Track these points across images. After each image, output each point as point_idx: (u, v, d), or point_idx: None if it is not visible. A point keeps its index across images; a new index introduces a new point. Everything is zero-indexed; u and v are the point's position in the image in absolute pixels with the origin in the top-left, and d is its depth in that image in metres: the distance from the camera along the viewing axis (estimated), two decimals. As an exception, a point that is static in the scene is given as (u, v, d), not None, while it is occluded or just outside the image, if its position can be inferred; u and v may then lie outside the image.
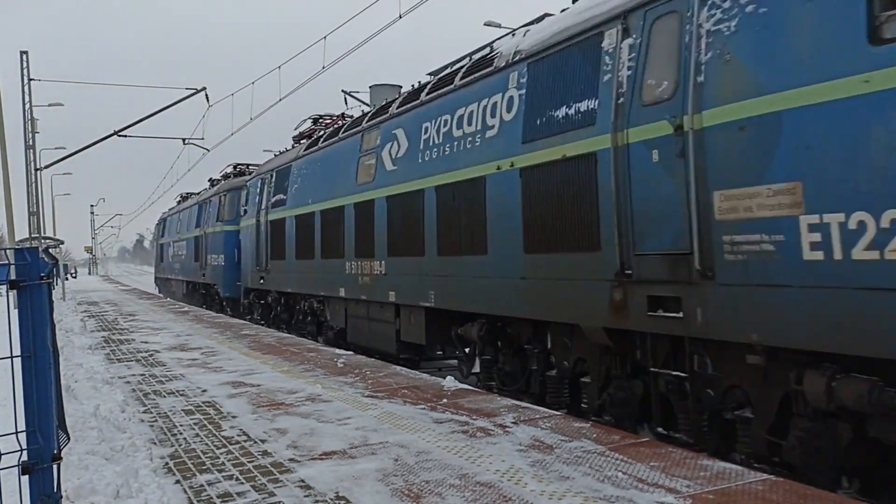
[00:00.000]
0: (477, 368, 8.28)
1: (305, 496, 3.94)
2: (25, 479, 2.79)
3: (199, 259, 22.96)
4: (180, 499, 3.99)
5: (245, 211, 17.26)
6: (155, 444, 5.19)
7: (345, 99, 14.40)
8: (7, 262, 2.87)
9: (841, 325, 3.99)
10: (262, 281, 15.63)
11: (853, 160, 3.91)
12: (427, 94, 8.98)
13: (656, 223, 5.21)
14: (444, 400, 6.41)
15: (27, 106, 27.43)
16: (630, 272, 5.44)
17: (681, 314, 4.98)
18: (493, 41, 8.31)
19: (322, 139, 12.82)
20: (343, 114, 15.08)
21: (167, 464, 4.66)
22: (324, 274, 12.00)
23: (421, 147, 8.79)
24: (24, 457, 2.77)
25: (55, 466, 2.87)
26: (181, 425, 5.77)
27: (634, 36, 5.54)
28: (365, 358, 9.47)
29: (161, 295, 31.53)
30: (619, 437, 5.04)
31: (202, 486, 4.20)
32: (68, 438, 3.42)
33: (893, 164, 3.72)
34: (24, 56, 26.55)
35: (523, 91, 6.89)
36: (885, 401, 3.90)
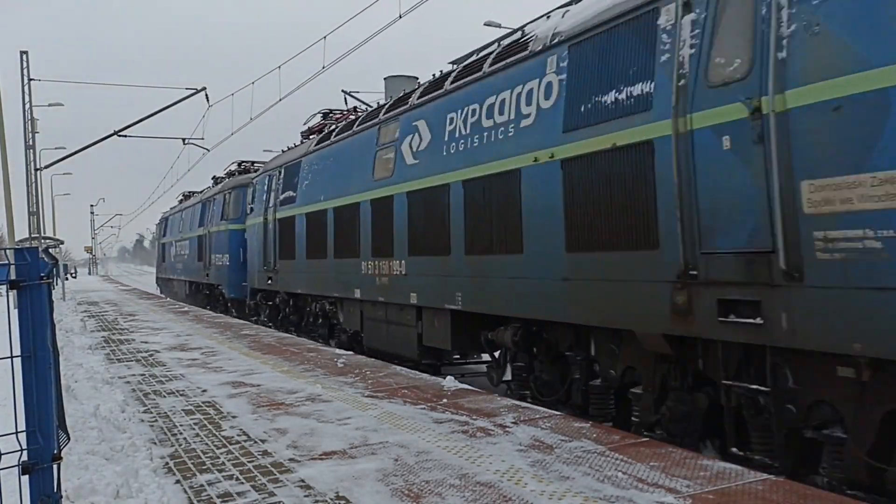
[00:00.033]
0: (508, 376, 7.70)
1: (305, 496, 3.94)
2: (25, 479, 2.79)
3: (203, 259, 22.39)
4: (180, 499, 3.99)
5: (251, 209, 16.65)
6: (155, 443, 5.19)
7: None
8: (7, 262, 2.87)
9: None
10: (269, 281, 15.02)
11: None
12: (452, 82, 8.41)
13: (727, 218, 4.64)
14: (444, 400, 6.41)
15: (27, 106, 27.46)
16: (696, 273, 4.84)
17: (760, 320, 4.41)
18: (524, 25, 7.74)
19: (334, 133, 12.21)
20: (355, 108, 14.53)
21: (167, 464, 4.66)
22: (337, 274, 11.39)
23: (446, 139, 8.20)
24: (24, 457, 2.77)
25: (55, 466, 2.87)
26: (181, 425, 5.77)
27: (697, 10, 4.97)
28: (365, 358, 9.47)
29: (163, 296, 31.07)
30: (618, 437, 5.04)
31: (202, 485, 4.20)
32: (68, 438, 3.42)
33: None
34: (24, 56, 26.59)
35: (564, 76, 6.31)
36: None
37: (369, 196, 10.13)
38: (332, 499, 3.89)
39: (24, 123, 27.42)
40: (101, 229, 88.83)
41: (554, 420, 5.54)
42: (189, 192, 29.68)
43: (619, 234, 5.55)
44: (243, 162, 21.49)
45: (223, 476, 4.37)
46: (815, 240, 4.09)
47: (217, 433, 5.47)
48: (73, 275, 57.69)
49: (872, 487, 4.08)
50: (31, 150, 27.26)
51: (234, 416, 6.02)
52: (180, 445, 5.13)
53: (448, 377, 7.39)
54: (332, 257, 11.58)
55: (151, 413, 6.27)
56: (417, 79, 12.68)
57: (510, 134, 6.99)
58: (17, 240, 24.41)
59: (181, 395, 7.11)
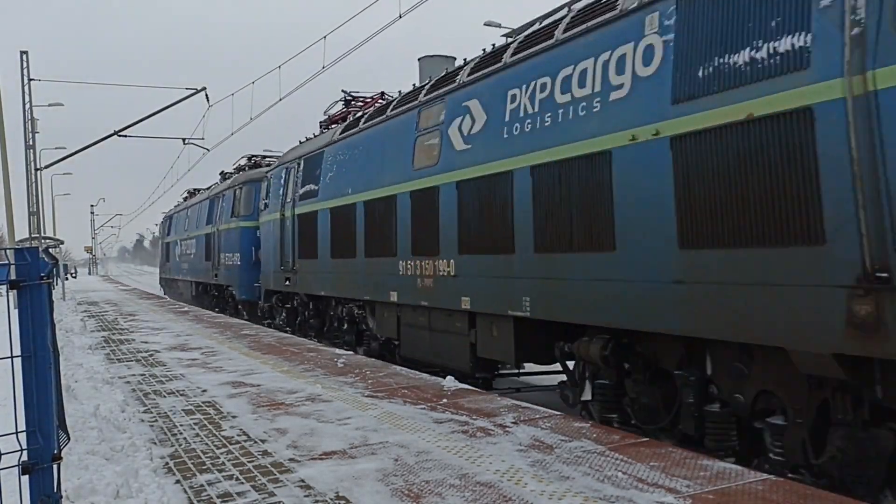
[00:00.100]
0: (588, 395, 6.52)
1: (305, 496, 3.94)
2: (25, 479, 2.79)
3: (211, 258, 21.14)
4: (180, 499, 3.99)
5: (266, 205, 15.38)
6: (155, 443, 5.19)
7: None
8: (7, 262, 2.87)
9: None
10: (287, 282, 13.75)
11: None
12: (513, 54, 7.33)
13: None
14: (444, 400, 6.41)
15: (27, 106, 27.49)
16: (885, 275, 3.80)
17: None
18: None
19: (363, 120, 11.03)
20: (383, 93, 13.37)
21: (167, 464, 4.66)
22: (368, 275, 10.19)
23: (507, 119, 7.13)
24: (24, 457, 2.77)
25: (55, 466, 2.87)
26: (181, 425, 5.77)
27: None
28: (365, 358, 9.47)
29: (164, 296, 30.51)
30: (618, 437, 5.04)
31: (202, 485, 4.20)
32: (68, 438, 3.42)
33: None
34: (24, 56, 26.61)
35: (670, 36, 5.27)
36: None
37: (408, 187, 9.03)
38: (332, 499, 3.89)
39: (24, 123, 27.44)
40: (101, 229, 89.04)
41: (554, 420, 5.54)
42: (194, 190, 28.52)
43: (760, 227, 4.47)
44: (253, 156, 20.49)
45: (223, 476, 4.37)
46: None
47: (217, 433, 5.47)
48: (74, 275, 57.72)
49: None
50: (31, 150, 27.29)
51: (234, 416, 6.02)
52: (180, 445, 5.14)
53: (448, 377, 7.38)
54: (363, 256, 10.40)
55: (151, 413, 6.27)
56: (454, 59, 11.78)
57: (595, 109, 5.93)
58: (17, 240, 24.42)
59: (181, 394, 7.11)
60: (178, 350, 10.73)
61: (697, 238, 4.92)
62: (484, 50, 8.47)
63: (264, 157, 20.12)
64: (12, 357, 2.77)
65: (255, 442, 5.16)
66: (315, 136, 13.78)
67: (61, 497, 2.97)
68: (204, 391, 7.24)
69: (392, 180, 9.48)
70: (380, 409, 6.11)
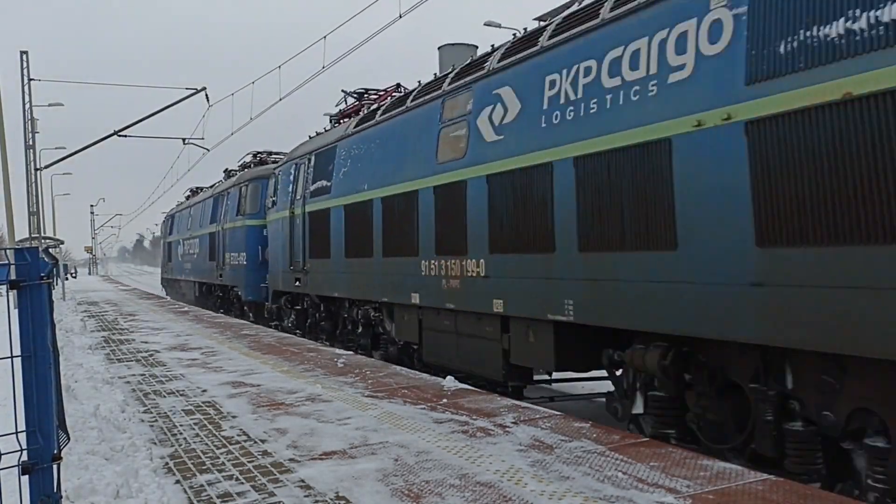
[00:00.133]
0: (639, 408, 5.94)
1: (305, 496, 3.94)
2: (25, 479, 2.79)
3: (216, 258, 20.54)
4: (180, 499, 3.99)
5: (273, 202, 14.82)
6: (155, 444, 5.19)
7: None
8: (7, 262, 2.87)
9: None
10: (297, 283, 13.21)
11: None
12: (550, 37, 6.78)
13: None
14: (444, 400, 6.41)
15: (27, 106, 27.52)
16: None
17: None
18: None
19: (380, 112, 10.47)
20: (398, 84, 12.80)
21: (167, 464, 4.67)
22: (386, 276, 9.65)
23: (545, 107, 6.60)
24: (24, 457, 2.78)
25: (55, 466, 2.87)
26: (181, 425, 5.77)
27: None
28: (365, 358, 9.47)
29: (167, 297, 30.11)
30: (619, 437, 5.04)
31: (202, 486, 4.20)
32: (68, 438, 3.42)
33: None
34: (24, 56, 26.64)
35: (742, 8, 4.71)
36: None
37: (432, 182, 8.51)
38: (332, 499, 3.89)
39: (24, 123, 27.47)
40: (101, 229, 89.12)
41: (554, 420, 5.54)
42: (197, 188, 27.89)
43: (863, 222, 3.91)
44: (259, 153, 19.96)
45: (223, 476, 4.37)
46: None
47: (217, 433, 5.47)
48: (74, 275, 57.74)
49: None
50: (31, 150, 27.31)
51: (234, 416, 6.02)
52: (180, 445, 5.14)
53: (448, 377, 7.38)
54: (380, 256, 9.81)
55: (151, 413, 6.27)
56: (476, 47, 11.27)
57: (651, 93, 5.41)
58: (17, 240, 24.44)
59: (181, 395, 7.11)
60: (178, 350, 10.73)
61: (781, 235, 4.33)
62: (514, 34, 7.93)
63: (270, 153, 19.68)
64: (12, 357, 2.77)
65: (255, 442, 5.16)
66: (326, 131, 13.30)
67: (61, 497, 2.98)
68: (204, 391, 7.24)
69: (413, 175, 8.97)
70: (380, 409, 6.11)
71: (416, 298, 8.88)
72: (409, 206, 8.98)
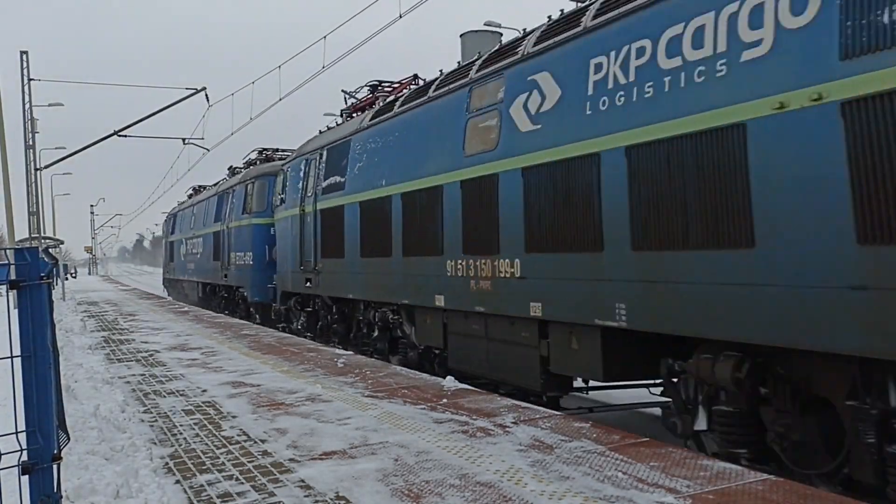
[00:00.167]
0: (703, 424, 5.33)
1: (305, 496, 3.95)
2: (25, 479, 2.79)
3: (220, 258, 19.94)
4: (180, 499, 3.99)
5: (282, 200, 14.23)
6: (155, 444, 5.19)
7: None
8: (7, 262, 2.87)
9: None
10: (308, 284, 12.59)
11: None
12: (594, 17, 6.25)
13: None
14: (444, 400, 6.42)
15: (27, 106, 27.53)
16: None
17: None
18: None
19: (398, 103, 9.90)
20: (416, 75, 12.22)
21: (167, 464, 4.67)
22: (407, 277, 9.09)
23: (589, 93, 6.06)
24: (24, 457, 2.78)
25: (55, 466, 2.87)
26: (181, 425, 5.77)
27: None
28: (365, 358, 9.47)
29: (168, 297, 29.76)
30: (619, 437, 5.04)
31: (202, 486, 4.20)
32: (68, 438, 3.42)
33: None
34: (24, 56, 26.65)
35: None
36: None
37: (458, 176, 7.94)
38: (332, 499, 3.89)
39: (24, 123, 27.48)
40: (101, 229, 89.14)
41: (554, 420, 5.54)
42: (199, 186, 27.26)
43: None
44: (265, 149, 19.37)
45: (223, 476, 4.37)
46: None
47: (217, 433, 5.47)
48: (73, 275, 57.76)
49: None
50: (31, 150, 27.32)
51: (234, 416, 6.02)
52: (180, 445, 5.14)
53: (448, 377, 7.38)
54: (400, 255, 9.24)
55: (151, 413, 6.27)
56: (501, 35, 10.80)
57: (720, 74, 4.83)
58: (17, 240, 24.45)
59: (181, 395, 7.11)
60: (178, 350, 10.73)
61: (890, 232, 3.76)
62: (549, 17, 7.38)
63: (276, 149, 19.18)
64: (12, 357, 2.77)
65: (255, 442, 5.16)
66: (337, 126, 12.75)
67: (61, 497, 2.98)
68: (204, 391, 7.24)
69: (437, 169, 8.39)
70: (380, 409, 6.12)
71: (440, 301, 8.32)
72: (433, 202, 8.43)
